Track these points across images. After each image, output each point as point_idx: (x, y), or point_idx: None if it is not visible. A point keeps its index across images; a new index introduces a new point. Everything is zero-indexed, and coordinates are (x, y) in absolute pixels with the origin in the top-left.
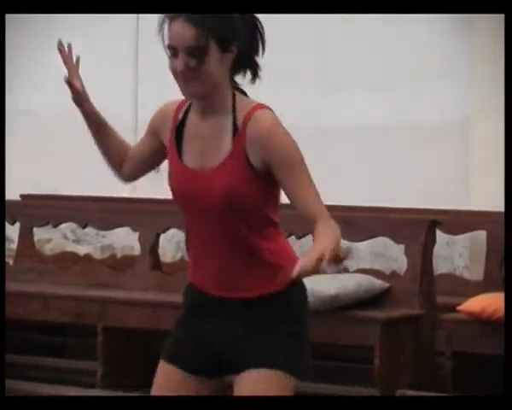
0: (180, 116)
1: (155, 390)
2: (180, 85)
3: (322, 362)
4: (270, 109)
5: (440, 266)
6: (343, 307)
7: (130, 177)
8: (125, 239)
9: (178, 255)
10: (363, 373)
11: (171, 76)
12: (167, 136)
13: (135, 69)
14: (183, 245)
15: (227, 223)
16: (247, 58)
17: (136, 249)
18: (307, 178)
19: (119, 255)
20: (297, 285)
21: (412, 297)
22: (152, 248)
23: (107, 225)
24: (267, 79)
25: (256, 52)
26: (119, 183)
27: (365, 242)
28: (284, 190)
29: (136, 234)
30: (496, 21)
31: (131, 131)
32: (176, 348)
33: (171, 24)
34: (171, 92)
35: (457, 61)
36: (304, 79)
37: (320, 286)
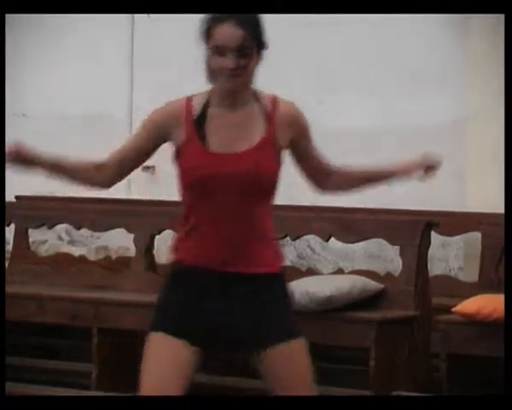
0: (197, 111)
1: (161, 364)
2: (222, 81)
3: (317, 364)
4: None
5: (435, 268)
6: (338, 309)
7: (114, 180)
8: (119, 240)
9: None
10: (359, 375)
11: (165, 78)
12: (181, 131)
13: (130, 71)
14: None
15: (246, 202)
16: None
17: (131, 251)
18: None
19: (113, 257)
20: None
21: (407, 298)
22: (147, 250)
23: (101, 227)
24: (263, 80)
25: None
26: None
27: (360, 243)
28: (307, 156)
29: (131, 235)
30: (491, 22)
31: (126, 132)
32: (181, 322)
33: (220, 25)
34: (165, 94)
35: (453, 63)
36: (300, 82)
37: (315, 288)
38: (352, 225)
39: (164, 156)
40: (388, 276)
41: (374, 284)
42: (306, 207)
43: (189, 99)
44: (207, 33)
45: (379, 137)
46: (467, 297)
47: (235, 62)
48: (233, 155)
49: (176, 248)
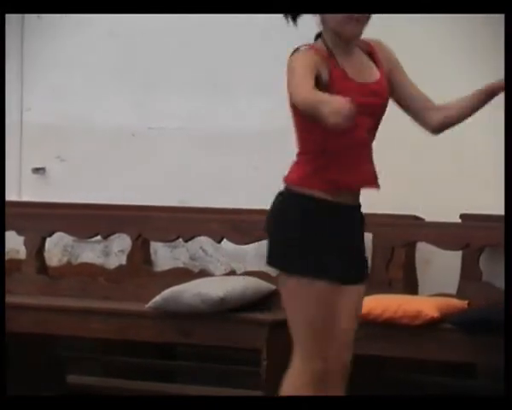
0: (328, 54)
1: (325, 310)
2: (350, 28)
3: (210, 365)
4: None
5: None
6: (230, 310)
7: None
8: (9, 243)
9: (65, 259)
10: (252, 376)
11: (57, 79)
12: (326, 68)
13: (19, 71)
14: (69, 249)
15: (375, 127)
16: None
17: (22, 253)
18: None
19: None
20: None
21: None
22: (38, 252)
23: None
24: (156, 82)
25: None
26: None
27: (252, 244)
28: (403, 90)
29: (22, 238)
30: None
31: (17, 133)
32: (328, 263)
33: None
34: (56, 96)
35: None
36: (193, 83)
37: (207, 289)
38: (243, 227)
39: (54, 158)
40: None
41: (266, 285)
42: (198, 209)
43: (313, 47)
44: None
45: (261, 141)
46: None
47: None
48: (371, 84)
49: (309, 179)
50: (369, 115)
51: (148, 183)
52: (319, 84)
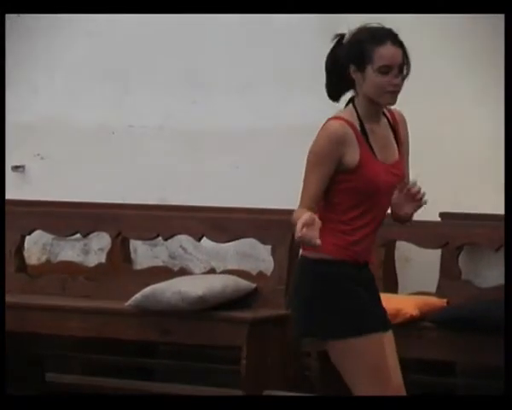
0: (358, 128)
1: (383, 362)
2: (386, 98)
3: (190, 363)
4: None
5: None
6: (210, 308)
7: None
8: None
9: (44, 257)
10: (231, 374)
11: (37, 77)
12: (354, 149)
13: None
14: (48, 247)
15: (389, 204)
16: None
17: None
18: None
19: None
20: None
21: (279, 298)
22: (17, 250)
23: None
24: (136, 81)
25: None
26: None
27: (232, 243)
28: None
29: None
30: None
31: None
32: (367, 317)
33: (382, 46)
34: (36, 95)
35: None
36: (173, 82)
37: (187, 287)
38: (223, 225)
39: (33, 156)
40: (260, 275)
41: (246, 284)
42: (178, 207)
43: (342, 118)
44: (367, 55)
45: (248, 139)
46: None
47: (399, 79)
48: (389, 164)
49: (344, 247)
50: (386, 194)
51: (128, 181)
52: (341, 163)
